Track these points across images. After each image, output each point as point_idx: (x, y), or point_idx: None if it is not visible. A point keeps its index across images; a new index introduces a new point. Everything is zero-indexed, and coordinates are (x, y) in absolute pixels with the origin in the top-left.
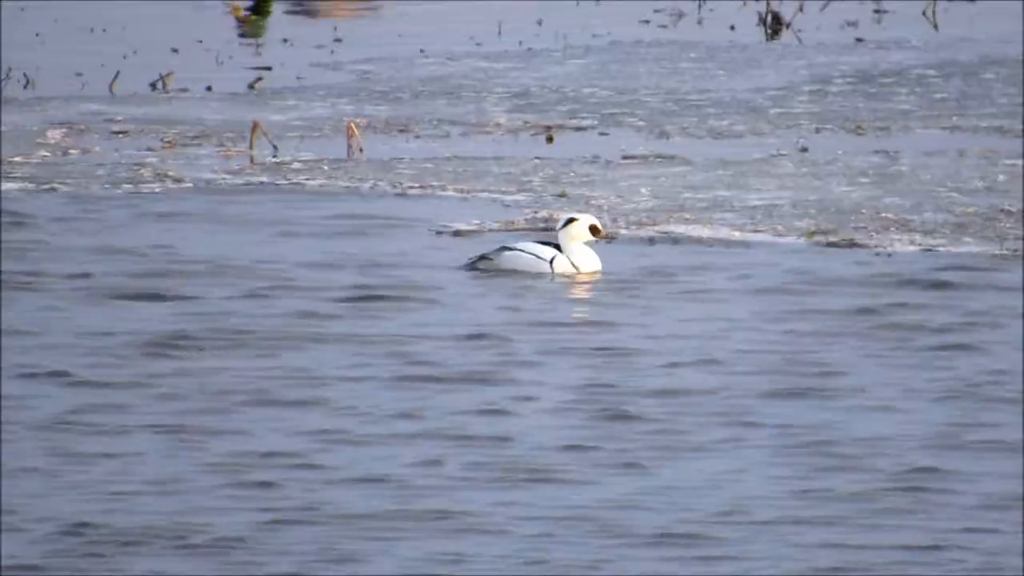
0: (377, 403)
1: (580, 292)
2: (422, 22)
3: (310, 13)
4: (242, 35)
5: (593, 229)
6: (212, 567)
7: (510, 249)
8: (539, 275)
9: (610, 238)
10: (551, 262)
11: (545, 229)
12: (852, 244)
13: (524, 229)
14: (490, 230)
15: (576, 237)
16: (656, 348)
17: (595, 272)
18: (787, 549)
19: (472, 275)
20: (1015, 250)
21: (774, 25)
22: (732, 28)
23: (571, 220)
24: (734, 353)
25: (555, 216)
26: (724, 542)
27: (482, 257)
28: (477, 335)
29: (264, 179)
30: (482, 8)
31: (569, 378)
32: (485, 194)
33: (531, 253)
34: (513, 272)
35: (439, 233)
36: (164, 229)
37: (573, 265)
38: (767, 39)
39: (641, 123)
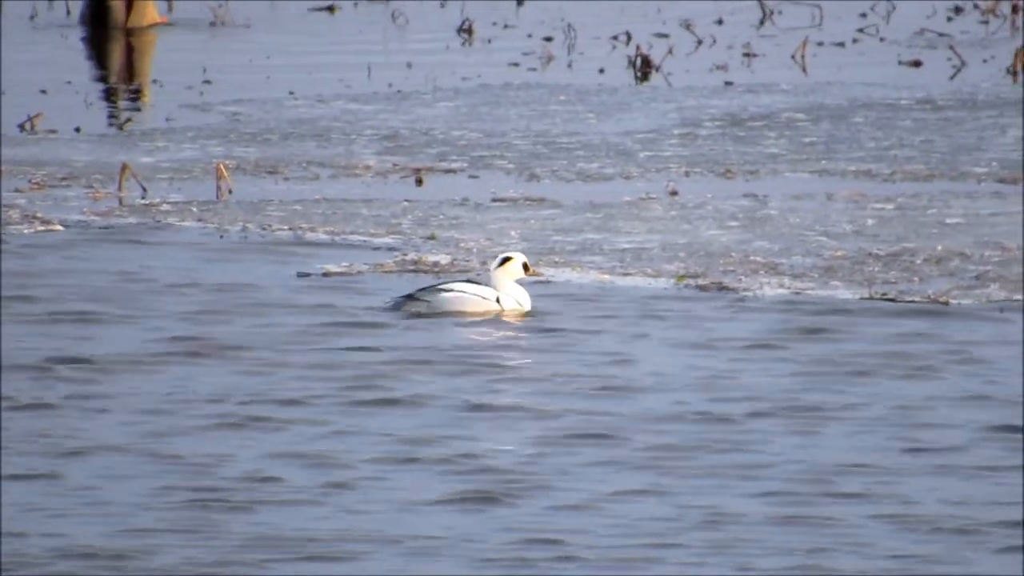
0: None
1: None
2: (291, 63)
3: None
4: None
5: (524, 266)
6: None
7: (445, 290)
8: (485, 314)
9: (536, 275)
10: (498, 300)
11: (414, 271)
12: (721, 287)
13: (394, 271)
14: (359, 272)
15: (513, 275)
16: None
17: (528, 309)
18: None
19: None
20: (883, 294)
21: (643, 68)
22: (601, 71)
23: (507, 259)
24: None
25: (423, 258)
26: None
27: (409, 297)
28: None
29: (133, 220)
30: (351, 50)
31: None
32: (354, 236)
33: (473, 293)
34: (448, 312)
35: (307, 275)
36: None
37: (518, 302)
38: (637, 82)
39: (510, 166)
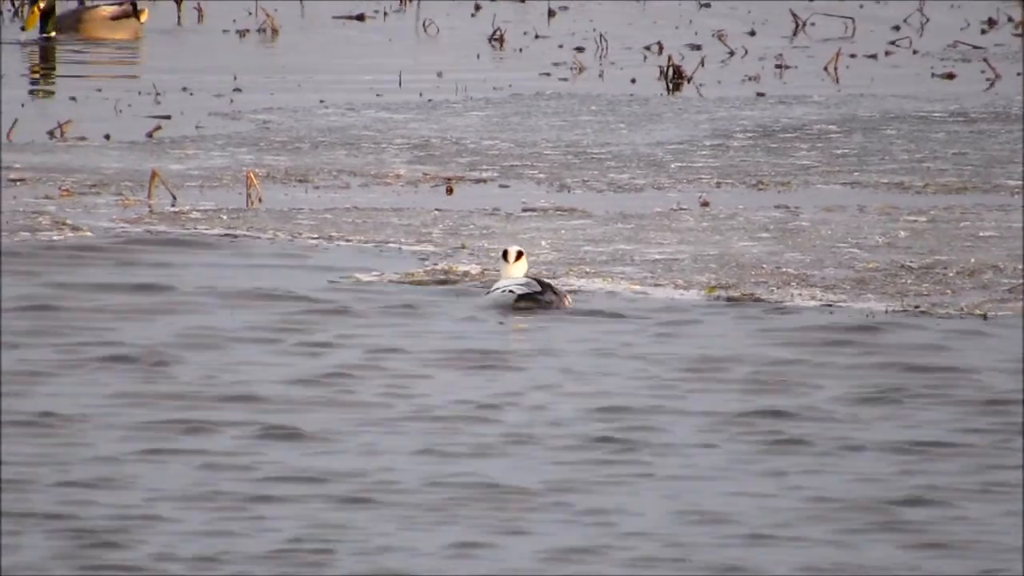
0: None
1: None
2: (322, 72)
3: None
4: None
5: None
6: None
7: (550, 288)
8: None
9: None
10: None
11: (444, 280)
12: (753, 299)
13: (424, 281)
14: (390, 281)
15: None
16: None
17: None
18: None
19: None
20: (916, 306)
21: (675, 79)
22: (633, 81)
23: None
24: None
25: (454, 268)
26: None
27: (548, 287)
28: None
29: (162, 228)
30: (381, 59)
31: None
32: (384, 245)
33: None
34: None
35: (338, 282)
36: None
37: None
38: (668, 93)
39: (541, 176)
